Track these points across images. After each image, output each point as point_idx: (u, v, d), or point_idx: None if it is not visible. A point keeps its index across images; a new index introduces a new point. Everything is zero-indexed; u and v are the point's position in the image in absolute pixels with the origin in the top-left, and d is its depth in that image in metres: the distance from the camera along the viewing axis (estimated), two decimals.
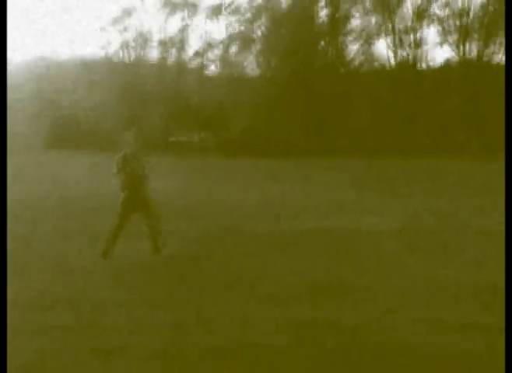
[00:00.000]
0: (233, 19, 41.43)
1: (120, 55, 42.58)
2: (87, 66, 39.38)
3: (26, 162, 27.41)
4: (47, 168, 25.48)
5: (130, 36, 42.14)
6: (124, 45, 42.37)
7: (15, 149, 35.98)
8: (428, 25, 36.66)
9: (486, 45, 34.02)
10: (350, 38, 39.07)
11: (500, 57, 33.34)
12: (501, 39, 32.69)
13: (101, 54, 42.19)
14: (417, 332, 5.22)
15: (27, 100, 39.24)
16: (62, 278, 7.26)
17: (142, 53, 42.61)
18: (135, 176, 8.29)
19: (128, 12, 41.68)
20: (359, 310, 5.84)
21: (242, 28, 41.11)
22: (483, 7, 34.83)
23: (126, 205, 8.32)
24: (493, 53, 33.89)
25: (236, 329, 5.35)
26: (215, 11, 41.65)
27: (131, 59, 42.36)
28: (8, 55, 57.52)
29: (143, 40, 42.29)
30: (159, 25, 42.16)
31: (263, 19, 40.79)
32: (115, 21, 41.74)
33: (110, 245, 8.27)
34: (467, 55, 34.41)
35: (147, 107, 37.55)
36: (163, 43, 41.87)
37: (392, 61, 36.52)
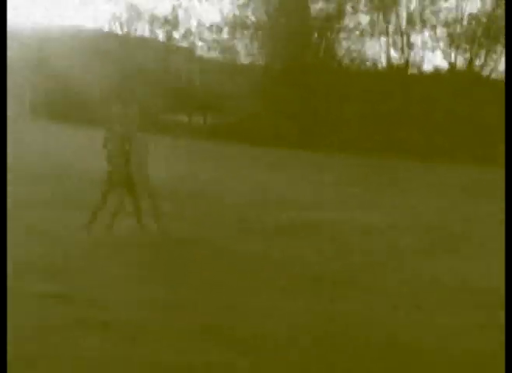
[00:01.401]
0: (226, 1, 40.84)
1: (110, 27, 41.73)
2: (76, 36, 38.56)
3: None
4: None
5: (120, 8, 41.33)
6: (114, 18, 41.50)
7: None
8: (421, 29, 36.60)
9: (476, 56, 34.14)
10: (343, 35, 38.89)
11: (489, 70, 33.57)
12: (492, 52, 32.98)
13: (90, 24, 41.42)
14: None
15: (16, 69, 38.26)
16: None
17: (132, 27, 41.84)
18: (121, 151, 8.31)
19: None
20: None
21: (236, 12, 40.62)
22: (475, 18, 34.76)
23: (109, 179, 8.34)
24: (482, 65, 33.98)
25: (222, 311, 5.32)
26: None
27: (121, 32, 41.55)
28: None
29: (134, 13, 41.49)
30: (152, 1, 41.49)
31: (257, 5, 40.29)
32: None
33: (93, 217, 8.40)
34: (457, 64, 34.53)
35: (136, 82, 36.91)
36: (155, 19, 41.15)
37: (384, 62, 36.49)
